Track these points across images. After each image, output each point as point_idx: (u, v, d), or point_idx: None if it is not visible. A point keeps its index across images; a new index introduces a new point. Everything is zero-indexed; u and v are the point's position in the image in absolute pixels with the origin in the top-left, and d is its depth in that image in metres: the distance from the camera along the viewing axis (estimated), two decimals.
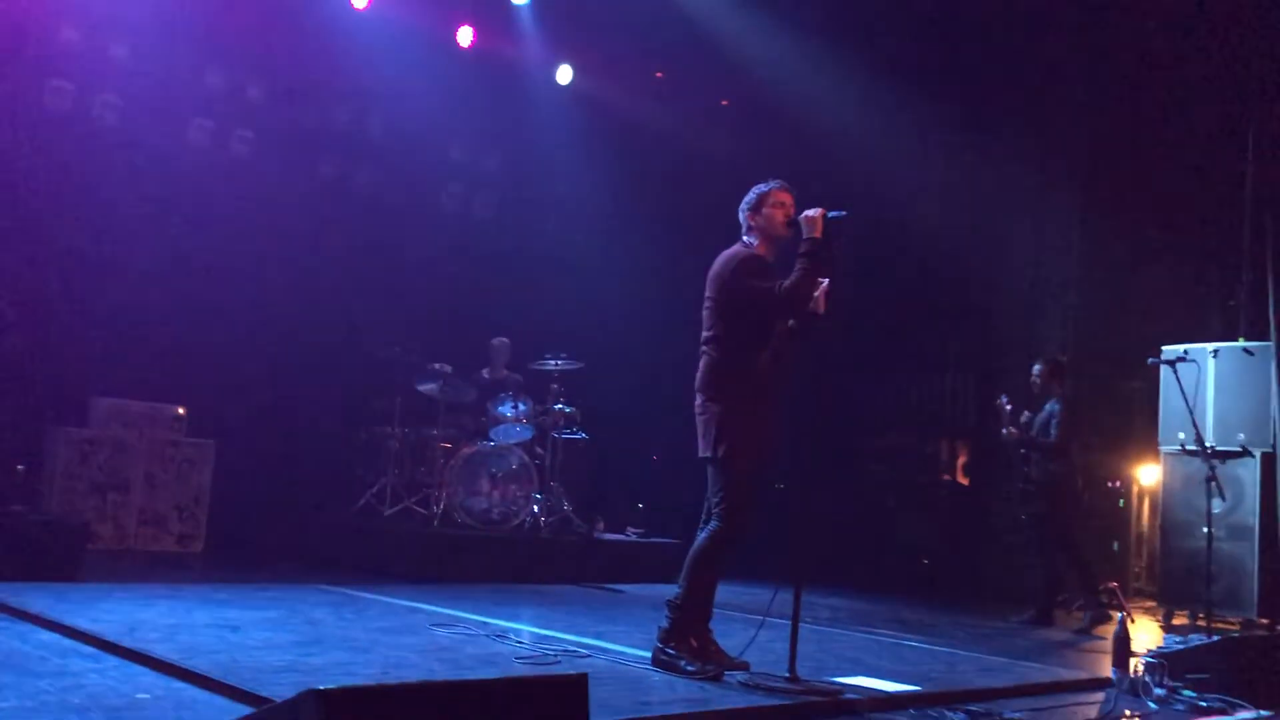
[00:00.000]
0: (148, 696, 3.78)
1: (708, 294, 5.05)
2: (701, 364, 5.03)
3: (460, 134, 11.46)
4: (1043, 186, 10.98)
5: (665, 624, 4.93)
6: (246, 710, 3.46)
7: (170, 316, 9.38)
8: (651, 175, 11.87)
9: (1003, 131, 11.24)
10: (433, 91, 10.58)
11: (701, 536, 4.95)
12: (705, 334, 5.04)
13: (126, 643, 4.52)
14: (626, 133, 11.71)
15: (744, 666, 4.82)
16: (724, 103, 12.32)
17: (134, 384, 8.91)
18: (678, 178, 11.82)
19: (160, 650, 4.39)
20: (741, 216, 5.12)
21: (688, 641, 4.89)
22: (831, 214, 4.91)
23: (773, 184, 5.10)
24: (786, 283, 4.84)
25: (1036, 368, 8.63)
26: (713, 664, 4.80)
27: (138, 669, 4.21)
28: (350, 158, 10.84)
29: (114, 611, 5.36)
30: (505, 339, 10.04)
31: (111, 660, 4.35)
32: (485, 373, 9.87)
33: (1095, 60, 10.58)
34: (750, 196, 5.11)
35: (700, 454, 4.95)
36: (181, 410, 8.95)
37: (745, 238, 5.10)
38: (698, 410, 4.99)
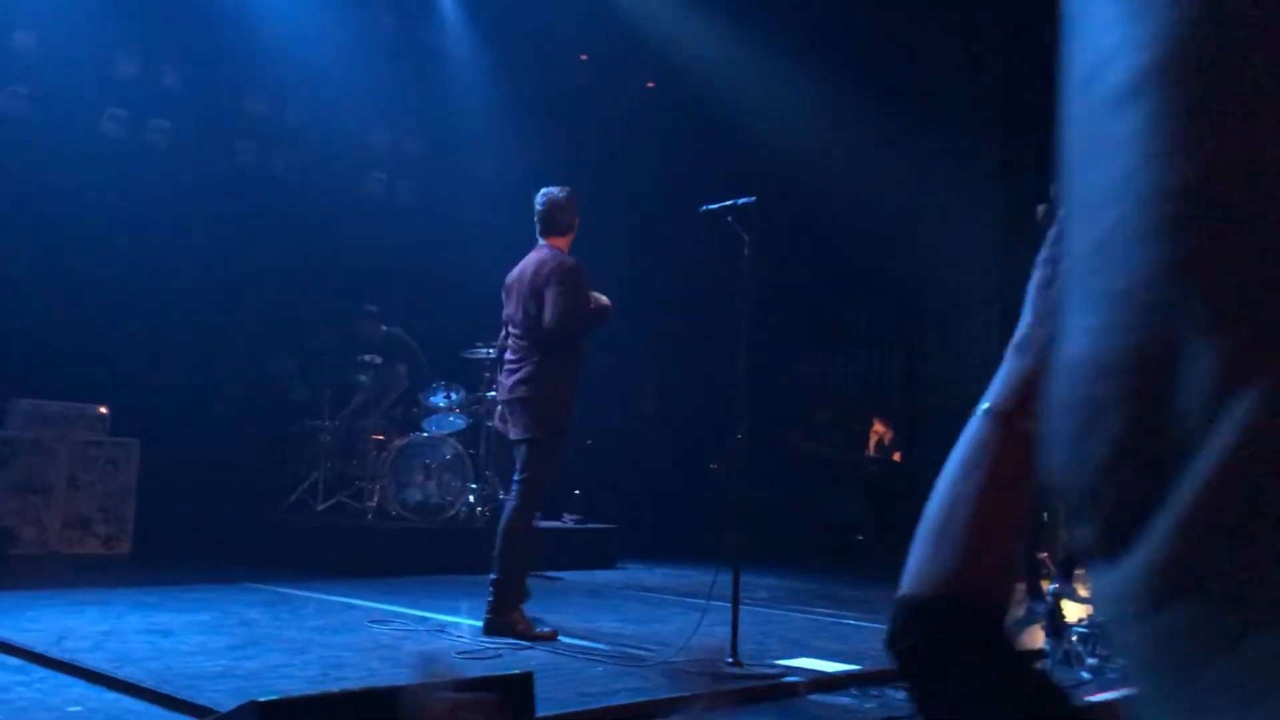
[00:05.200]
0: (80, 709, 3.69)
1: (528, 293, 5.44)
2: (519, 357, 5.45)
3: (382, 119, 11.29)
4: (967, 165, 11.10)
5: (491, 599, 5.40)
6: None
7: (89, 313, 9.13)
8: (588, 157, 11.81)
9: (927, 110, 11.35)
10: (353, 76, 10.40)
11: (508, 512, 5.43)
12: (526, 329, 5.44)
13: (55, 653, 4.41)
14: (554, 115, 11.61)
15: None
16: (649, 85, 12.28)
17: (54, 384, 8.65)
18: (605, 161, 11.76)
19: (90, 660, 4.29)
20: (559, 216, 5.57)
21: (515, 615, 5.37)
22: (741, 201, 5.17)
23: (570, 193, 5.61)
24: (594, 308, 5.45)
25: None
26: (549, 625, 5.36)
27: (68, 680, 4.11)
28: (269, 144, 10.63)
29: (40, 619, 5.22)
30: (373, 306, 9.74)
31: (39, 671, 4.23)
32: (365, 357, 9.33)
33: (1019, 45, 10.73)
34: (559, 198, 5.58)
35: (518, 436, 5.39)
36: (104, 409, 8.70)
37: (561, 239, 5.58)
38: (518, 396, 5.39)
